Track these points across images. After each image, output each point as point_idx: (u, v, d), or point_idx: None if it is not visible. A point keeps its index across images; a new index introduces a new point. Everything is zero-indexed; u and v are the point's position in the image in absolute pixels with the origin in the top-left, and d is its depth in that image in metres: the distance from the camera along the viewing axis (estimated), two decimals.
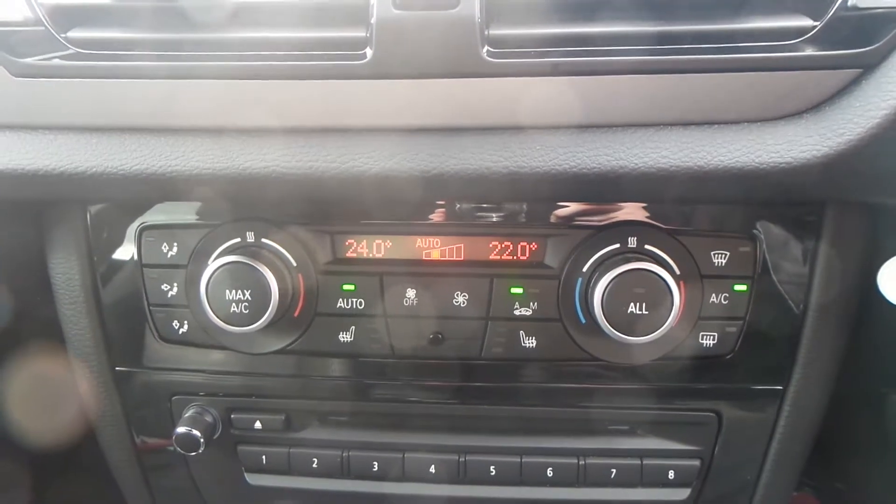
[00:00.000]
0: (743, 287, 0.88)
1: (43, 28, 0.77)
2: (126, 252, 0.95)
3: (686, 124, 0.75)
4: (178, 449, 0.97)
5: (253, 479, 1.06)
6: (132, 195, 0.88)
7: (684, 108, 0.75)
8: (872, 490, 1.17)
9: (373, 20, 0.72)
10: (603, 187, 0.77)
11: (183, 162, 0.79)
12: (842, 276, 0.88)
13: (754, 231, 0.87)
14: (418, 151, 0.76)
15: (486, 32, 0.73)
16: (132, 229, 0.93)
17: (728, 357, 0.91)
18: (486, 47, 0.73)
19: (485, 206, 0.89)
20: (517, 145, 0.75)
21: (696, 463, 0.99)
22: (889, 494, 1.12)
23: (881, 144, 0.70)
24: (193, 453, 0.97)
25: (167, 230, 0.93)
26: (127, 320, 0.98)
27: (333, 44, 0.75)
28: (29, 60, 0.77)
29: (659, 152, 0.74)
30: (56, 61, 0.78)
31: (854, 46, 0.71)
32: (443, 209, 0.89)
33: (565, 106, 0.74)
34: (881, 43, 0.71)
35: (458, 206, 0.89)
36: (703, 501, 1.02)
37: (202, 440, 0.96)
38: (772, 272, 0.88)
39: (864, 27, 0.72)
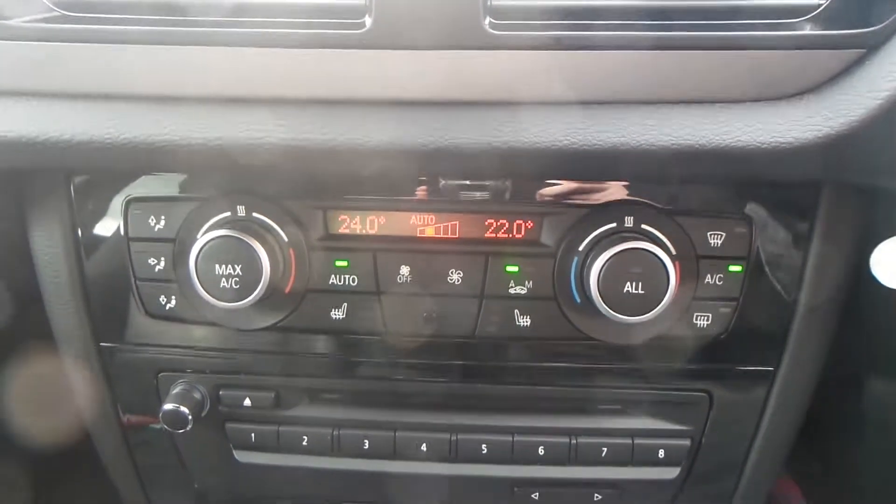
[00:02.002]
0: (738, 268, 0.88)
1: None
2: (112, 225, 0.92)
3: (688, 102, 0.74)
4: (166, 426, 0.95)
5: (241, 457, 1.04)
6: (120, 165, 0.86)
7: (686, 86, 0.74)
8: (852, 474, 1.19)
9: None
10: (604, 164, 0.76)
11: (173, 131, 0.76)
12: (835, 259, 0.89)
13: (750, 212, 0.87)
14: (417, 125, 0.75)
15: (488, 3, 0.71)
16: (118, 201, 0.91)
17: (721, 337, 0.92)
18: (488, 18, 0.71)
19: (481, 183, 0.88)
20: (517, 120, 0.74)
21: (687, 442, 1.00)
22: (869, 478, 1.14)
23: (882, 126, 0.70)
24: (181, 431, 0.95)
25: (155, 203, 0.90)
26: (112, 295, 0.96)
27: (331, 11, 0.73)
28: (12, 22, 0.74)
29: (660, 130, 0.74)
30: (41, 24, 0.75)
31: (857, 26, 0.71)
32: (438, 185, 0.88)
33: (567, 81, 0.73)
34: (885, 23, 0.70)
35: (454, 182, 0.88)
36: (692, 480, 1.03)
37: (190, 417, 0.95)
38: (767, 253, 0.88)
39: (867, 7, 0.72)
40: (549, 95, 0.74)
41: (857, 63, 0.72)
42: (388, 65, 0.73)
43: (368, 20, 0.72)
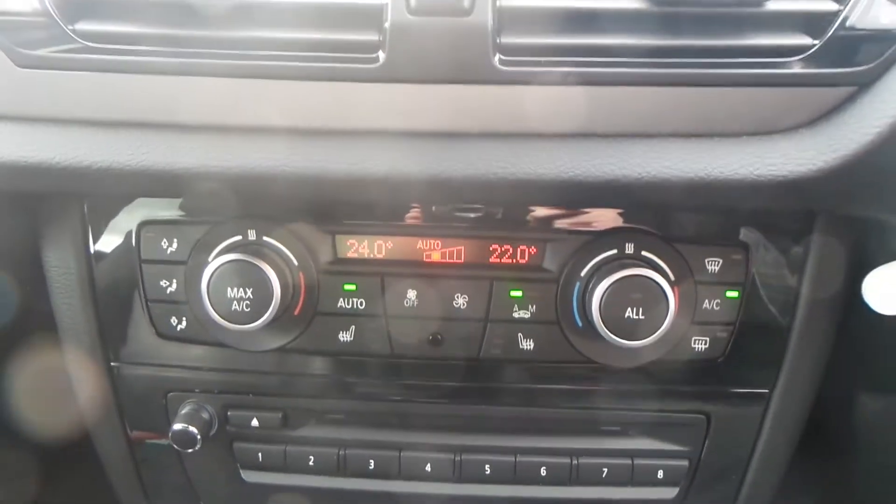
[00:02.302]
0: (734, 293, 0.91)
1: (50, 19, 0.76)
2: (124, 247, 0.94)
3: (688, 136, 0.77)
4: (175, 446, 0.97)
5: (248, 476, 1.06)
6: (135, 190, 0.88)
7: (687, 120, 0.76)
8: (848, 496, 1.21)
9: (386, 24, 0.73)
10: (606, 195, 0.79)
11: (190, 159, 0.78)
12: (829, 285, 0.92)
13: (746, 239, 0.90)
14: (427, 155, 0.77)
15: (497, 40, 0.74)
16: (131, 224, 0.93)
17: (718, 361, 0.94)
18: (497, 55, 0.74)
19: (486, 209, 0.90)
20: (524, 152, 0.77)
21: (685, 463, 1.02)
22: (864, 498, 1.17)
23: (874, 161, 0.73)
24: (190, 450, 0.97)
25: (167, 226, 0.92)
26: (123, 315, 0.97)
27: (346, 46, 0.76)
28: (37, 52, 0.76)
29: (661, 162, 0.76)
30: (63, 53, 0.77)
31: (850, 65, 0.74)
32: (445, 212, 0.90)
33: (573, 115, 0.76)
34: (876, 62, 0.73)
35: (461, 209, 0.90)
36: (690, 500, 1.05)
37: (199, 437, 0.96)
38: (762, 279, 0.91)
39: (859, 47, 0.74)
40: (554, 128, 0.77)
41: (850, 100, 0.75)
42: (399, 97, 0.76)
43: (382, 55, 0.74)
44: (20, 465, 1.06)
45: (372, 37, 0.75)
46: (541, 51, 0.75)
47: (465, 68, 0.74)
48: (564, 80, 0.74)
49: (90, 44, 0.77)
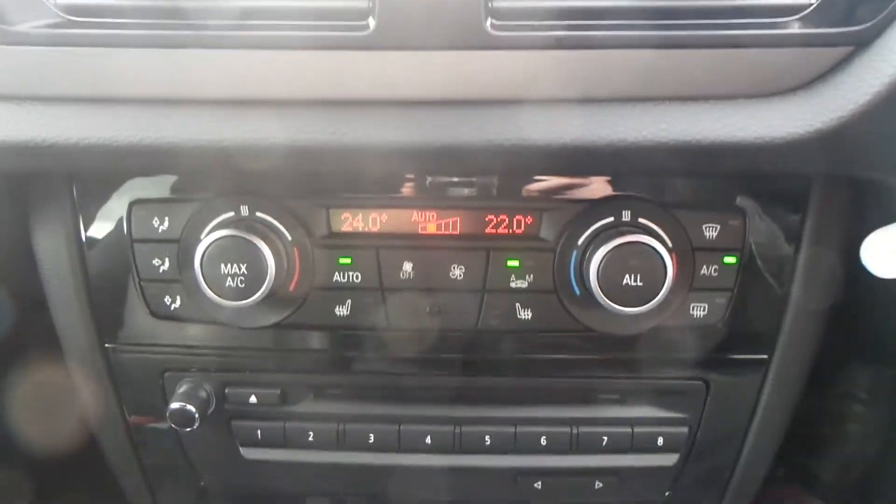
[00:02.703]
0: (732, 259, 0.91)
1: None
2: (115, 227, 0.93)
3: (685, 99, 0.76)
4: (173, 425, 0.96)
5: (248, 454, 1.06)
6: (124, 168, 0.87)
7: (683, 83, 0.75)
8: (845, 459, 1.22)
9: None
10: (602, 160, 0.78)
11: (178, 133, 0.77)
12: (827, 249, 0.91)
13: (743, 205, 0.89)
14: (419, 124, 0.76)
15: (489, 4, 0.72)
16: (122, 204, 0.92)
17: (717, 327, 0.94)
18: (489, 19, 0.72)
19: (481, 179, 0.89)
20: (519, 118, 0.75)
21: (685, 430, 1.02)
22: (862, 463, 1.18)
23: (871, 122, 0.72)
24: (188, 429, 0.96)
25: (158, 204, 0.91)
26: (116, 297, 0.96)
27: (334, 13, 0.74)
28: (18, 28, 0.74)
29: (658, 126, 0.75)
30: (46, 29, 0.75)
31: (848, 24, 0.73)
32: (439, 182, 0.89)
33: (567, 79, 0.74)
34: (873, 22, 0.72)
35: (455, 179, 0.89)
36: (689, 466, 1.05)
37: (197, 415, 0.96)
38: (760, 244, 0.91)
39: (857, 5, 0.73)
40: (549, 94, 0.75)
41: (847, 60, 0.74)
42: (391, 65, 0.74)
43: (372, 22, 0.72)
44: (16, 455, 1.06)
45: (361, 3, 0.73)
46: (534, 14, 0.74)
47: (457, 34, 0.72)
48: (558, 44, 0.73)
49: (72, 18, 0.75)
